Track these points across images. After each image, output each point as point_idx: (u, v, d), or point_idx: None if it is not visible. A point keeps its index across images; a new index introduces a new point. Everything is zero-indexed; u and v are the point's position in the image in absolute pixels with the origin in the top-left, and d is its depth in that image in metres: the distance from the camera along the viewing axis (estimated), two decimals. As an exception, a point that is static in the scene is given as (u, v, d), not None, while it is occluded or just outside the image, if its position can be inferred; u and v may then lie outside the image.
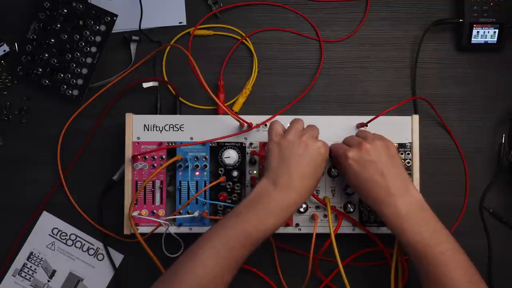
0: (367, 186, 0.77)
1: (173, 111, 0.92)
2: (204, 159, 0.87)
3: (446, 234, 0.75)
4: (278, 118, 0.87)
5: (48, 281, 0.91)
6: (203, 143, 0.87)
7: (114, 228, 0.90)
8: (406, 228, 0.74)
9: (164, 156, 0.87)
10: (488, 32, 0.94)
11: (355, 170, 0.77)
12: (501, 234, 0.93)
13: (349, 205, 0.86)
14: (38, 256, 0.91)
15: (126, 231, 0.87)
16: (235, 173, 0.87)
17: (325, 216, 0.87)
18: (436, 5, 0.96)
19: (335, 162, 0.85)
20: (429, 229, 0.74)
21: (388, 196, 0.75)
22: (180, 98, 0.93)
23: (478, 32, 0.94)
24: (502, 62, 0.96)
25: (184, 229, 0.87)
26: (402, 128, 0.88)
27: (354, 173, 0.77)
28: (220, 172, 0.87)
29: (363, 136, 0.81)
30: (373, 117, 0.86)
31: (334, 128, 0.88)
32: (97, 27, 0.91)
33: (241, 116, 0.85)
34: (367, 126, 0.87)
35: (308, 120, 0.88)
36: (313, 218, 0.86)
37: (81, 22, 0.91)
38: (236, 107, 0.93)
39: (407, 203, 0.75)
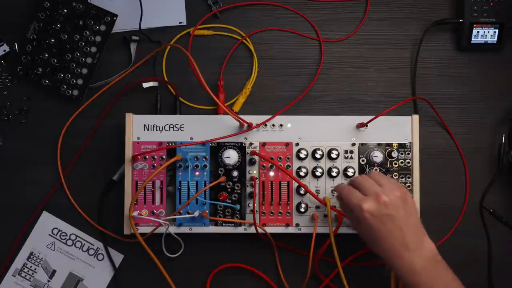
0: (382, 240, 0.74)
1: (173, 111, 0.92)
2: (204, 159, 0.87)
3: (457, 283, 0.75)
4: (278, 118, 0.87)
5: (48, 281, 0.91)
6: (203, 143, 0.87)
7: (114, 228, 0.90)
8: (421, 282, 0.73)
9: (164, 156, 0.87)
10: (488, 32, 0.94)
11: (370, 224, 0.73)
12: (501, 234, 0.93)
13: (349, 205, 0.86)
14: (38, 256, 0.91)
15: (126, 231, 0.87)
16: (235, 173, 0.87)
17: (325, 216, 0.87)
18: (436, 5, 0.96)
19: (343, 208, 0.81)
20: (442, 282, 0.73)
21: (404, 250, 0.73)
22: (180, 98, 0.93)
23: (478, 32, 0.94)
24: (502, 62, 0.96)
25: (184, 229, 0.87)
26: (402, 128, 0.88)
27: (369, 226, 0.74)
28: (220, 172, 0.87)
29: (377, 180, 0.77)
30: (373, 117, 0.86)
31: (334, 128, 0.88)
32: (97, 27, 0.91)
33: (241, 116, 0.85)
34: (367, 126, 0.87)
35: (308, 120, 0.88)
36: (313, 218, 0.86)
37: (81, 22, 0.91)
38: (236, 107, 0.93)
39: (422, 257, 0.73)
